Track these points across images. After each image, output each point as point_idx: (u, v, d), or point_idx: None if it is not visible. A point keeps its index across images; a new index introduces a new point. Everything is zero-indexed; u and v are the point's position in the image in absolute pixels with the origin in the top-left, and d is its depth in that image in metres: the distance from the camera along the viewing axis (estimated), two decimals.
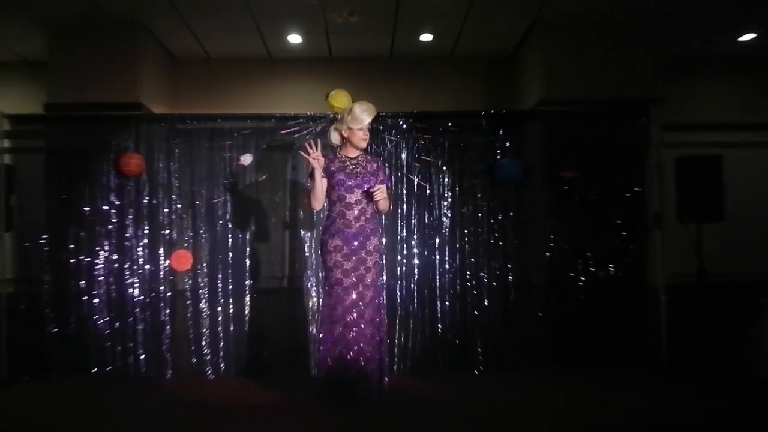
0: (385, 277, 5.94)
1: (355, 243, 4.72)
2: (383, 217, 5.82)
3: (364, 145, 4.81)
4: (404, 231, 6.07)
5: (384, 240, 5.86)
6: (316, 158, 4.67)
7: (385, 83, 7.26)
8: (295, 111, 6.16)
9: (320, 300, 5.10)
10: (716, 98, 7.01)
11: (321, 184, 4.75)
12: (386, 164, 5.99)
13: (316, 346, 4.95)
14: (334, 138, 4.93)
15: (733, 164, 5.98)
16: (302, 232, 6.07)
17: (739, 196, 6.12)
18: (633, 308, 6.01)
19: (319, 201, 4.81)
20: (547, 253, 6.09)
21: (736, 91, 7.05)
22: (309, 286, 5.94)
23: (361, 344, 4.62)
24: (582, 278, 6.06)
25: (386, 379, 4.82)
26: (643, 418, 4.59)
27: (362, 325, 4.63)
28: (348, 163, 4.82)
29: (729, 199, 5.83)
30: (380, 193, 4.67)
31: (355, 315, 4.64)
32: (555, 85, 6.48)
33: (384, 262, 5.80)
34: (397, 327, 5.96)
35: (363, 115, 4.74)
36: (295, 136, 6.02)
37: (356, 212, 4.72)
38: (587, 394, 5.15)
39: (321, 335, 4.76)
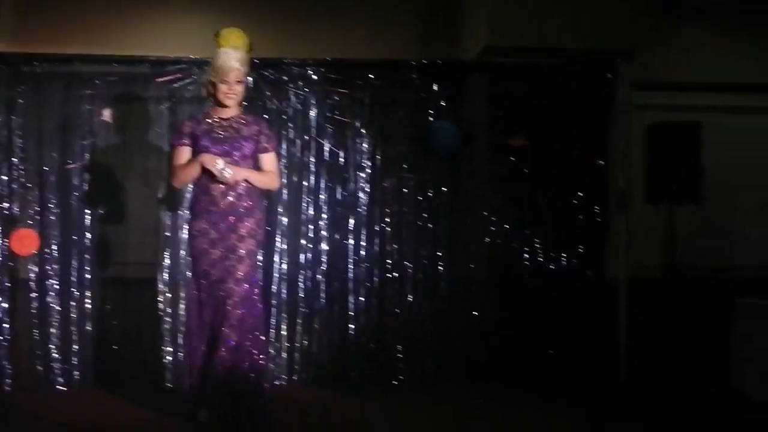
0: (286, 266, 6.07)
1: (223, 225, 4.78)
2: (284, 192, 5.94)
3: (230, 102, 4.87)
4: (311, 209, 6.15)
5: (284, 221, 6.02)
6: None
7: (291, 22, 7.24)
8: (176, 53, 6.15)
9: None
10: (699, 52, 7.20)
11: (196, 174, 4.83)
12: (290, 125, 6.10)
13: (185, 354, 5.04)
14: (204, 92, 5.00)
15: (713, 133, 6.19)
16: (182, 210, 6.06)
17: (718, 173, 6.37)
18: (589, 308, 6.26)
19: (181, 183, 5.02)
20: (487, 239, 6.27)
21: (723, 43, 7.26)
22: (189, 275, 5.93)
23: (231, 352, 4.71)
24: (529, 271, 6.27)
25: (266, 386, 5.00)
26: None
27: (230, 329, 4.71)
28: (216, 126, 4.87)
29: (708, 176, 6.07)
30: (222, 168, 4.70)
31: (224, 316, 4.72)
32: (502, 31, 6.59)
33: (262, 251, 5.56)
34: (299, 328, 6.06)
35: (227, 64, 4.79)
36: (176, 85, 6.03)
37: (223, 186, 4.77)
38: (529, 416, 5.34)
39: (188, 340, 4.88)
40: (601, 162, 6.36)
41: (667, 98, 6.63)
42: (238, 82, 4.85)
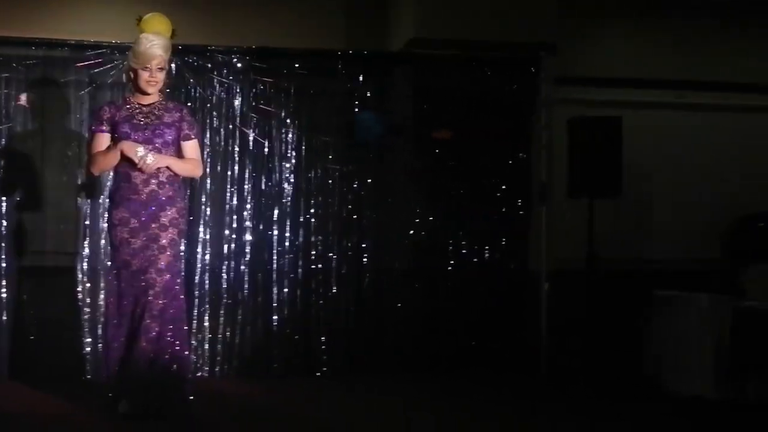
0: (209, 256, 6.06)
1: (145, 214, 4.73)
2: (207, 182, 5.91)
3: (151, 89, 4.81)
4: (235, 199, 6.14)
5: (207, 211, 6.00)
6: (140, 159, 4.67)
7: (217, 9, 7.18)
8: (97, 38, 6.06)
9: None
10: (621, 49, 7.37)
11: (116, 161, 4.76)
12: (214, 113, 6.07)
13: (103, 345, 5.04)
14: (125, 78, 4.96)
15: (633, 128, 6.34)
16: (102, 198, 5.99)
17: (638, 168, 6.54)
18: (511, 300, 6.38)
19: (100, 170, 4.95)
20: (412, 231, 6.33)
21: (644, 41, 7.43)
22: (109, 265, 5.90)
23: (150, 344, 4.68)
24: (452, 262, 6.36)
25: (189, 377, 4.95)
26: None
27: (151, 320, 4.69)
28: (137, 112, 4.82)
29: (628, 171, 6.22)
30: (143, 155, 4.64)
31: (145, 307, 4.69)
32: (428, 23, 6.58)
33: (184, 242, 5.49)
34: (222, 319, 6.05)
35: (149, 51, 4.73)
36: (96, 70, 5.95)
37: (145, 174, 4.72)
38: (451, 405, 5.41)
39: (107, 331, 4.85)
40: (524, 155, 6.48)
41: (589, 93, 6.77)
42: (160, 69, 4.80)
